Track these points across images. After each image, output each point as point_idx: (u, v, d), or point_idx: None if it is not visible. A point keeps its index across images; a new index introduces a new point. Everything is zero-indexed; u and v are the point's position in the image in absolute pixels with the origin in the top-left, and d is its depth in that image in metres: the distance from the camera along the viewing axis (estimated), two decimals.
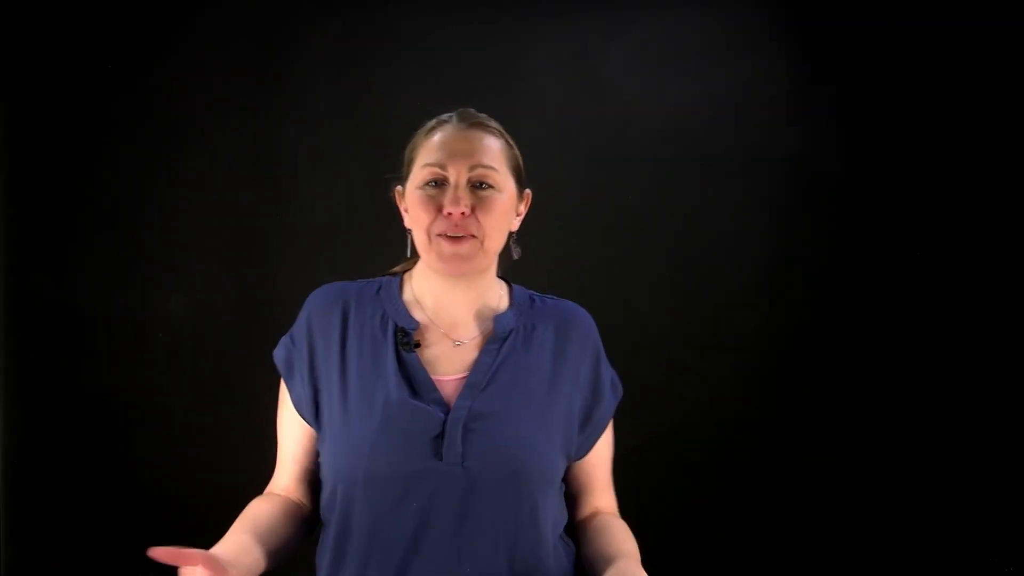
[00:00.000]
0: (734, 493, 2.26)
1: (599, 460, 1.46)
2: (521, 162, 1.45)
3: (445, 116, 1.42)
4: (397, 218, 1.46)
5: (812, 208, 2.28)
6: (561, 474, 1.41)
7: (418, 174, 1.38)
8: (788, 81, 2.27)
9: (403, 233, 1.45)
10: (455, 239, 1.34)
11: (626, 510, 2.23)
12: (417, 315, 1.41)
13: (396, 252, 1.48)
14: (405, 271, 1.47)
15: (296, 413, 1.41)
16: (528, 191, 1.47)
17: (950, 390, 2.23)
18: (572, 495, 1.47)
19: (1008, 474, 2.23)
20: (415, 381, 1.35)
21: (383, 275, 1.48)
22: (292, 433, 1.43)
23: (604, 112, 2.29)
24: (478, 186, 1.36)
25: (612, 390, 1.47)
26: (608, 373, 1.47)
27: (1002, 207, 2.23)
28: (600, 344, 1.47)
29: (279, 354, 1.44)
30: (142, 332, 2.29)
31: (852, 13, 2.25)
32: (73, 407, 2.29)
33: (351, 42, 2.29)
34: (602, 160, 2.29)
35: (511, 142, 1.44)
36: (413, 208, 1.38)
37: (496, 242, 1.39)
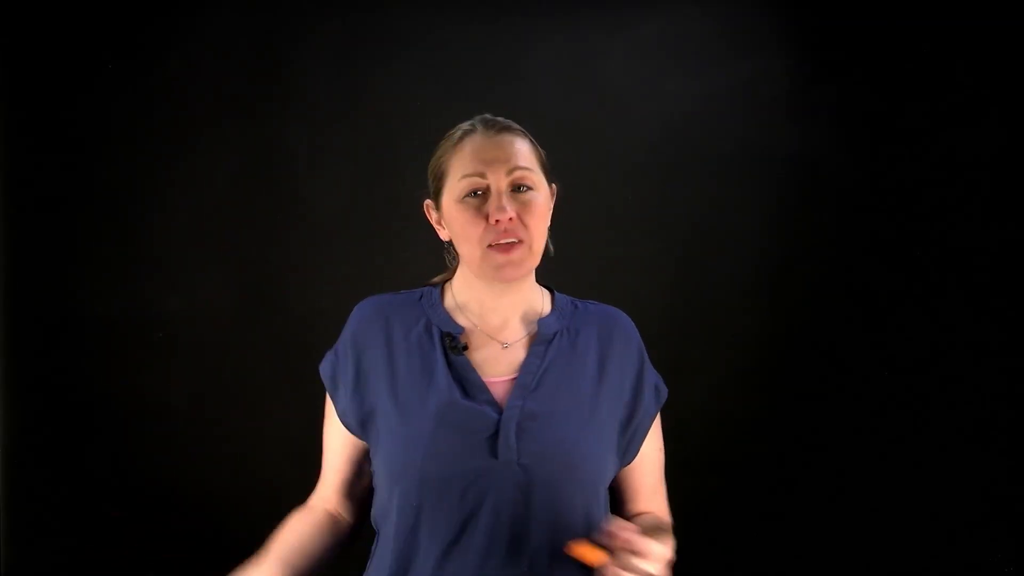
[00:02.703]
0: (734, 493, 2.26)
1: (648, 465, 1.46)
2: (545, 157, 1.46)
3: (467, 125, 1.43)
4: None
5: (812, 208, 2.28)
6: (611, 476, 1.41)
7: (456, 186, 1.38)
8: (788, 81, 2.27)
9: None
10: (506, 247, 1.35)
11: None
12: (461, 321, 1.42)
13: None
14: (445, 281, 1.49)
15: (340, 426, 1.43)
16: (555, 185, 1.48)
17: (950, 390, 2.23)
18: (620, 500, 1.46)
19: (1008, 474, 2.23)
20: (467, 383, 1.36)
21: (422, 286, 1.49)
22: (335, 445, 1.45)
23: (604, 112, 2.29)
24: (517, 190, 1.38)
25: (655, 394, 1.47)
26: (652, 377, 1.48)
27: (1002, 207, 2.23)
28: (643, 348, 1.48)
29: (325, 369, 1.45)
30: (142, 332, 2.29)
31: (852, 13, 2.25)
32: (73, 407, 2.29)
33: (351, 42, 2.29)
34: (602, 160, 2.29)
35: (534, 140, 1.45)
36: (457, 221, 1.38)
37: (541, 242, 1.41)
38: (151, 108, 2.28)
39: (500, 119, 1.44)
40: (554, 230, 2.26)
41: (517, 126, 1.45)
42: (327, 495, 1.46)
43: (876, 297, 2.26)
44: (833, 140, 2.27)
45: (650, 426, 1.45)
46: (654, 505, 1.48)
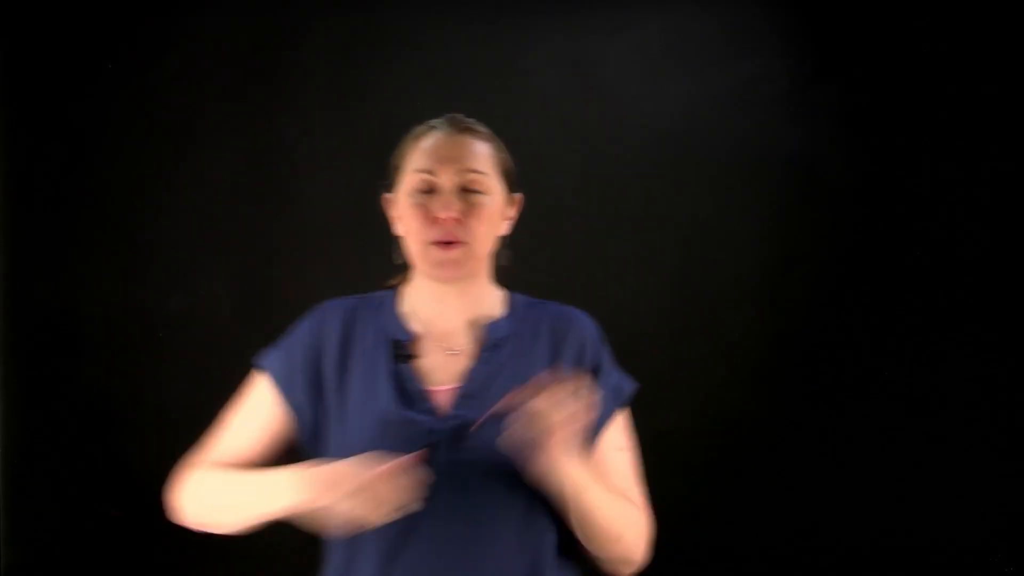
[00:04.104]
0: (734, 493, 2.26)
1: (610, 467, 1.41)
2: (512, 166, 1.44)
3: (434, 122, 1.42)
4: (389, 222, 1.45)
5: (812, 208, 2.28)
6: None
7: (408, 181, 1.38)
8: (788, 81, 2.27)
9: (394, 235, 1.45)
10: (445, 245, 1.34)
11: None
12: (413, 326, 1.40)
13: (391, 253, 1.48)
14: (402, 283, 1.46)
15: (264, 419, 1.40)
16: (519, 195, 1.45)
17: (950, 390, 2.23)
18: None
19: (1008, 474, 2.23)
20: (408, 392, 1.34)
21: (382, 288, 1.47)
22: (251, 434, 1.42)
23: (604, 112, 2.29)
24: (468, 191, 1.36)
25: (614, 396, 1.43)
26: (612, 379, 1.44)
27: (1002, 207, 2.23)
28: (602, 349, 1.45)
29: (273, 365, 1.42)
30: (142, 332, 2.29)
31: (852, 13, 2.25)
32: (73, 407, 2.29)
33: (351, 42, 2.29)
34: (602, 160, 2.29)
35: (501, 146, 1.43)
36: (405, 215, 1.38)
37: (486, 247, 1.39)
38: (151, 108, 2.28)
39: (468, 120, 1.42)
40: (553, 230, 2.28)
41: (484, 129, 1.43)
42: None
43: (876, 297, 2.26)
44: (833, 140, 2.27)
45: (604, 428, 1.40)
46: None
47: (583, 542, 1.33)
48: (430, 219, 1.34)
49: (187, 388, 2.29)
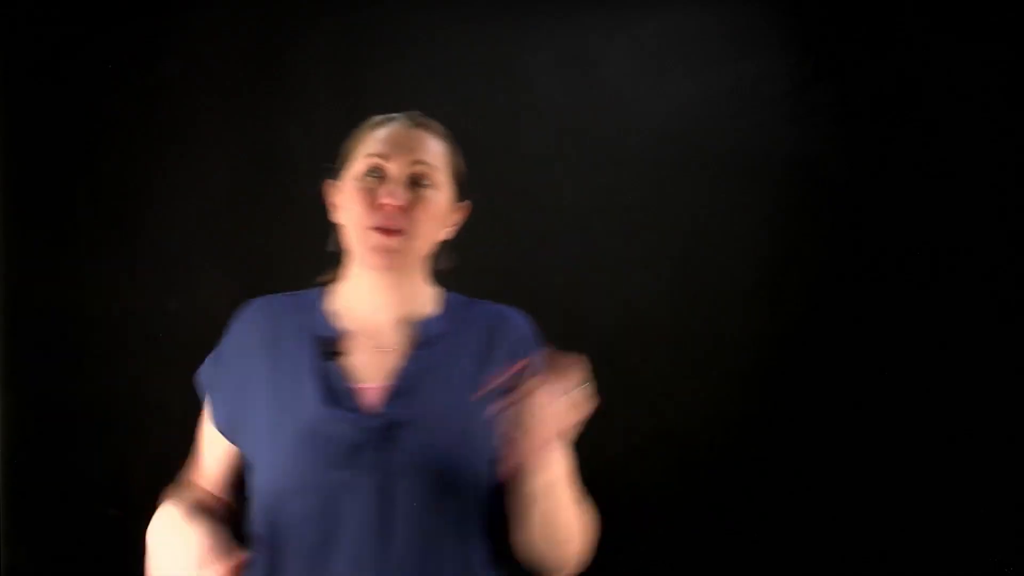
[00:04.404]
0: (734, 493, 2.26)
1: None
2: (464, 172, 1.42)
3: (393, 115, 1.41)
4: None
5: (812, 208, 2.28)
6: (490, 484, 1.32)
7: (358, 164, 1.36)
8: (788, 81, 2.27)
9: None
10: (386, 232, 1.31)
11: (626, 510, 2.24)
12: (342, 323, 1.38)
13: (332, 241, 1.47)
14: (334, 280, 1.44)
15: (213, 434, 1.40)
16: (467, 203, 1.43)
17: (950, 390, 2.23)
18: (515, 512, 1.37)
19: (1008, 474, 2.23)
20: (334, 391, 1.32)
21: (313, 285, 1.45)
22: (214, 452, 1.42)
23: (604, 112, 2.29)
24: (417, 183, 1.34)
25: None
26: None
27: (1002, 207, 2.23)
28: (537, 350, 1.39)
29: (203, 373, 1.42)
30: (142, 332, 2.29)
31: (852, 13, 2.25)
32: (74, 407, 2.29)
33: (351, 42, 2.29)
34: (602, 160, 2.29)
35: (457, 151, 1.42)
36: (349, 198, 1.36)
37: (425, 243, 1.36)
38: (151, 108, 2.27)
39: (428, 119, 1.41)
40: (553, 230, 2.28)
41: (443, 130, 1.41)
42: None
43: (876, 297, 2.26)
44: (833, 140, 2.27)
45: None
46: None
47: (533, 544, 1.29)
48: (375, 204, 1.32)
49: (187, 388, 2.28)
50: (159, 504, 1.26)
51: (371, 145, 1.37)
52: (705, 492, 2.26)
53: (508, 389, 1.21)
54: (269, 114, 2.29)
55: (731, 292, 2.28)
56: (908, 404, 2.24)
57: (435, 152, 1.37)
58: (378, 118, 1.41)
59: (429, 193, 1.35)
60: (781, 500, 2.25)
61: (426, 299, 1.41)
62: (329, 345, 1.35)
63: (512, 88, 2.28)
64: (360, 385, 1.33)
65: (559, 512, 1.28)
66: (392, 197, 1.31)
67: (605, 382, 2.30)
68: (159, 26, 2.28)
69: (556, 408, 1.20)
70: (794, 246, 2.28)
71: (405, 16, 2.28)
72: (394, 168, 1.34)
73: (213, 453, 1.42)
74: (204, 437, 1.44)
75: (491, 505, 1.33)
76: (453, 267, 1.45)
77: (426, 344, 1.36)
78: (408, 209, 1.32)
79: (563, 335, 2.31)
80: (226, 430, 1.38)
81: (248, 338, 1.39)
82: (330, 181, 1.42)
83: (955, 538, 2.22)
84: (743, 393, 2.27)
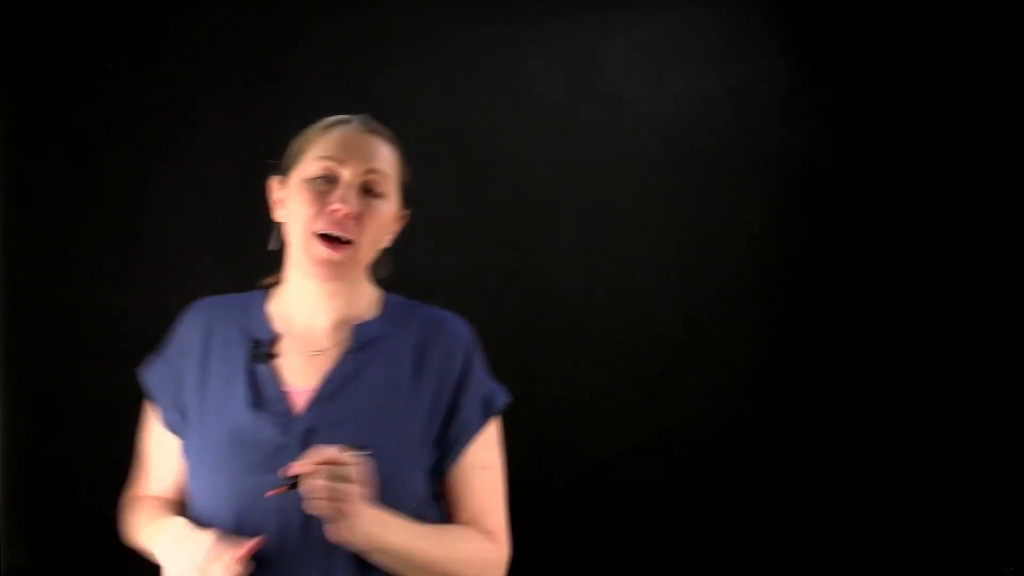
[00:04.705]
0: (734, 492, 2.26)
1: (471, 484, 1.34)
2: (410, 181, 1.41)
3: (346, 117, 1.39)
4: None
5: (812, 208, 2.28)
6: (419, 492, 1.31)
7: (309, 166, 1.34)
8: (788, 81, 2.27)
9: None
10: (334, 244, 1.29)
11: (627, 510, 2.24)
12: (279, 326, 1.36)
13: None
14: (276, 283, 1.42)
15: (160, 437, 1.40)
16: (407, 212, 1.42)
17: (950, 389, 2.23)
18: (446, 518, 1.36)
19: (1008, 474, 2.23)
20: (263, 394, 1.31)
21: (256, 287, 1.44)
22: (167, 453, 1.40)
23: (604, 112, 2.29)
24: (368, 191, 1.33)
25: (481, 407, 1.36)
26: (481, 388, 1.36)
27: (1002, 206, 2.23)
28: (474, 357, 1.37)
29: (147, 375, 1.42)
30: (142, 332, 2.29)
31: (852, 13, 2.25)
32: (74, 407, 2.29)
33: (351, 42, 2.29)
34: (602, 160, 2.29)
35: (405, 159, 1.41)
36: (297, 200, 1.33)
37: (370, 252, 1.35)
38: (151, 108, 2.27)
39: (380, 125, 1.40)
40: (553, 230, 2.27)
41: (394, 138, 1.40)
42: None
43: (876, 297, 2.26)
44: (833, 140, 2.27)
45: (470, 440, 1.34)
46: (478, 526, 1.35)
47: None
48: (324, 209, 1.30)
49: None
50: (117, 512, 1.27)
51: (324, 148, 1.35)
52: (705, 492, 2.25)
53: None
54: (269, 114, 2.29)
55: (731, 292, 2.28)
56: (908, 404, 2.24)
57: (387, 160, 1.36)
58: (331, 119, 1.40)
59: (380, 203, 1.33)
60: (781, 500, 2.25)
61: (366, 302, 1.39)
62: (262, 348, 1.34)
63: (512, 88, 2.28)
64: (289, 389, 1.31)
65: (417, 561, 1.25)
66: (344, 203, 1.29)
67: (605, 382, 2.32)
68: (159, 26, 2.28)
69: (329, 491, 1.16)
70: (794, 246, 2.28)
71: (405, 16, 2.28)
72: (347, 174, 1.32)
73: (166, 454, 1.40)
74: (151, 441, 1.42)
75: (422, 513, 1.30)
76: (390, 273, 1.43)
77: (359, 348, 1.34)
78: (359, 218, 1.30)
79: (563, 335, 2.32)
80: (175, 430, 1.37)
81: (188, 339, 1.39)
82: (275, 178, 1.40)
83: (955, 538, 2.22)
84: (743, 393, 2.27)
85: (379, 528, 1.21)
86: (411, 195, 1.42)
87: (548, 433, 2.22)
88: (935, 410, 2.23)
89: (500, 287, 2.25)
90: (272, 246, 1.40)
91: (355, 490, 1.16)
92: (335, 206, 1.29)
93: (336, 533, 1.18)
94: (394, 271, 1.42)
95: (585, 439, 2.26)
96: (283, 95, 2.29)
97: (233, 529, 1.25)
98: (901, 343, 2.25)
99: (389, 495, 1.24)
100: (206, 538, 1.22)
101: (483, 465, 1.36)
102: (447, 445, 1.33)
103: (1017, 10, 2.21)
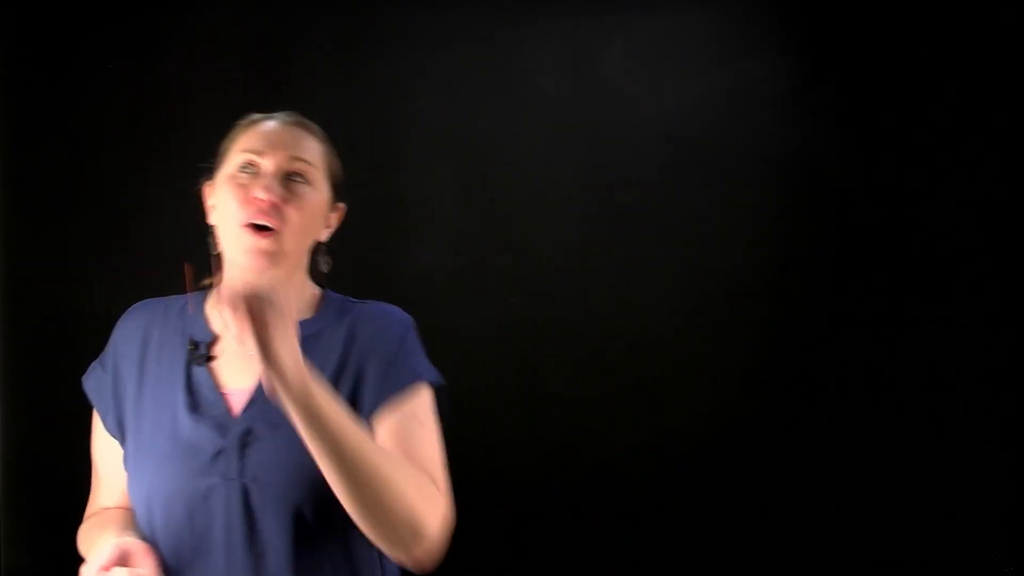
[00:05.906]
0: (734, 492, 2.25)
1: (404, 434, 1.27)
2: (341, 174, 1.41)
3: (271, 114, 1.40)
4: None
5: (812, 208, 2.28)
6: None
7: (232, 160, 1.34)
8: (788, 81, 2.27)
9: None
10: (259, 231, 1.28)
11: (626, 510, 2.24)
12: (217, 327, 1.35)
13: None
14: (214, 285, 1.41)
15: (108, 444, 1.39)
16: (343, 205, 1.41)
17: (950, 389, 2.23)
18: None
19: (1007, 474, 2.23)
20: (200, 397, 1.30)
21: (197, 288, 1.43)
22: (115, 459, 1.39)
23: (604, 112, 2.29)
24: (291, 179, 1.32)
25: (407, 373, 1.30)
26: (410, 360, 1.32)
27: (1002, 207, 2.23)
28: (405, 342, 1.33)
29: (86, 381, 1.42)
30: None
31: (852, 13, 2.25)
32: (74, 407, 2.28)
33: (351, 42, 2.29)
34: (602, 160, 2.29)
35: (335, 152, 1.41)
36: (222, 197, 1.33)
37: (299, 242, 1.34)
38: (151, 108, 2.27)
39: (305, 119, 1.40)
40: (553, 230, 2.27)
41: (320, 131, 1.40)
42: (115, 504, 1.40)
43: (876, 297, 2.26)
44: (833, 140, 2.27)
45: (396, 395, 1.28)
46: None
47: (353, 516, 1.18)
48: (248, 199, 1.29)
49: None
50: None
51: (246, 141, 1.35)
52: (705, 492, 2.25)
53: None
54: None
55: (731, 292, 2.28)
56: (908, 403, 2.24)
57: (311, 150, 1.36)
58: (255, 116, 1.40)
59: (304, 189, 1.33)
60: (782, 500, 2.25)
61: (304, 301, 1.38)
62: (200, 349, 1.34)
63: (512, 88, 2.28)
64: (227, 390, 1.31)
65: (345, 446, 1.15)
66: (266, 192, 1.29)
67: (605, 382, 2.32)
68: (159, 26, 2.28)
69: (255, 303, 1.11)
70: (794, 246, 2.28)
71: (405, 15, 2.28)
72: (269, 164, 1.32)
73: (116, 461, 1.39)
74: (100, 449, 1.42)
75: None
76: (330, 270, 1.41)
77: None
78: (281, 205, 1.29)
79: (563, 334, 2.32)
80: (118, 435, 1.37)
81: (125, 342, 1.38)
82: (206, 182, 1.40)
83: (955, 538, 2.22)
84: (743, 393, 2.27)
85: (309, 384, 1.13)
86: (344, 189, 1.41)
87: (548, 433, 2.22)
88: (935, 410, 2.23)
89: (500, 287, 2.25)
90: (212, 251, 1.39)
91: (277, 309, 1.11)
92: (257, 193, 1.29)
93: (265, 363, 1.11)
94: (334, 267, 1.40)
95: (585, 439, 2.26)
96: (283, 95, 2.29)
97: (176, 534, 1.24)
98: (901, 343, 2.25)
99: (322, 500, 1.21)
100: (102, 548, 1.22)
101: (418, 419, 1.30)
102: (364, 403, 1.28)
103: (1017, 10, 2.21)
